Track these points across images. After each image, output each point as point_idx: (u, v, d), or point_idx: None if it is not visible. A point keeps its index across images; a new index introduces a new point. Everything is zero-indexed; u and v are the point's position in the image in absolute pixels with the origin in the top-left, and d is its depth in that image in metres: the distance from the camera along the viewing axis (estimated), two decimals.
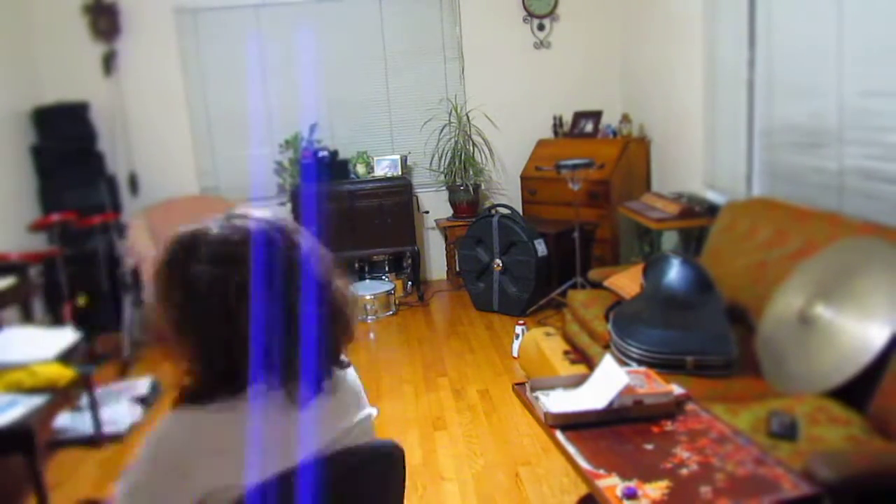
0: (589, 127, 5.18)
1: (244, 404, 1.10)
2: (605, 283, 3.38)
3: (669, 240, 4.08)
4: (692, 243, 3.83)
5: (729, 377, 2.39)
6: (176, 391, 1.14)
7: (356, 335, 1.27)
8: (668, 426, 1.81)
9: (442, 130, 5.30)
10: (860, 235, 2.35)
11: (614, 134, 5.05)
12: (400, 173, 5.16)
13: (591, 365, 3.00)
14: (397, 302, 4.98)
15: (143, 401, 3.52)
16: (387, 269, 5.26)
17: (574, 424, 1.83)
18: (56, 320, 4.25)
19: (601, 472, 1.61)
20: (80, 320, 3.96)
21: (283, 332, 1.11)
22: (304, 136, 5.12)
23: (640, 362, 2.45)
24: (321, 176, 4.93)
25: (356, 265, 5.23)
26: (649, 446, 1.72)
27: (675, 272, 2.88)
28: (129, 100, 5.11)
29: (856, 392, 2.01)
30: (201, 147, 5.28)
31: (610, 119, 5.16)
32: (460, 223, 5.16)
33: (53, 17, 4.95)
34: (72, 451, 3.13)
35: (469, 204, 5.22)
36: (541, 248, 4.45)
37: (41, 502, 2.48)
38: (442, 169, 5.27)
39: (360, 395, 1.29)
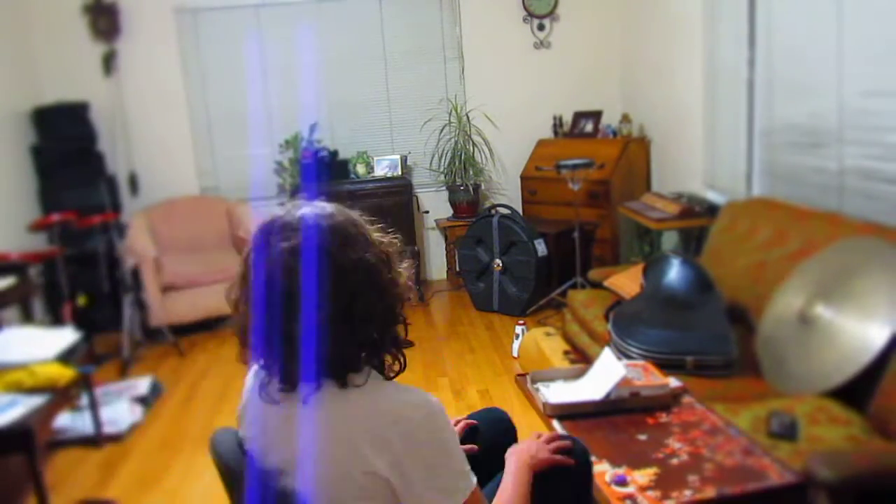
0: (589, 127, 5.18)
1: None
2: (605, 283, 3.38)
3: (669, 240, 4.08)
4: (692, 243, 3.83)
5: (729, 377, 2.39)
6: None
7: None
8: (663, 417, 1.87)
9: (442, 130, 5.30)
10: (860, 235, 2.35)
11: (614, 134, 5.06)
12: (400, 173, 5.16)
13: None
14: None
15: (143, 401, 3.52)
16: None
17: (572, 414, 1.89)
18: (56, 320, 4.26)
19: (592, 458, 1.65)
20: (80, 320, 3.96)
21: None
22: (304, 136, 5.12)
23: None
24: (321, 176, 4.94)
25: None
26: (643, 436, 1.78)
27: (675, 272, 2.88)
28: (129, 100, 5.11)
29: (856, 392, 2.01)
30: (201, 147, 5.28)
31: (610, 119, 5.16)
32: (460, 223, 5.16)
33: (53, 17, 4.95)
34: (72, 451, 3.13)
35: (469, 204, 5.22)
36: (541, 248, 4.45)
37: (41, 502, 2.48)
38: (442, 169, 5.27)
39: None
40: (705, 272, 2.85)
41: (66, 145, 4.75)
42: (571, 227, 4.38)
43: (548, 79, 5.41)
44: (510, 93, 5.41)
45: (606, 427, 1.83)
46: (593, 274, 3.65)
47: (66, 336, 3.07)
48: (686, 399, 1.96)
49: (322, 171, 4.96)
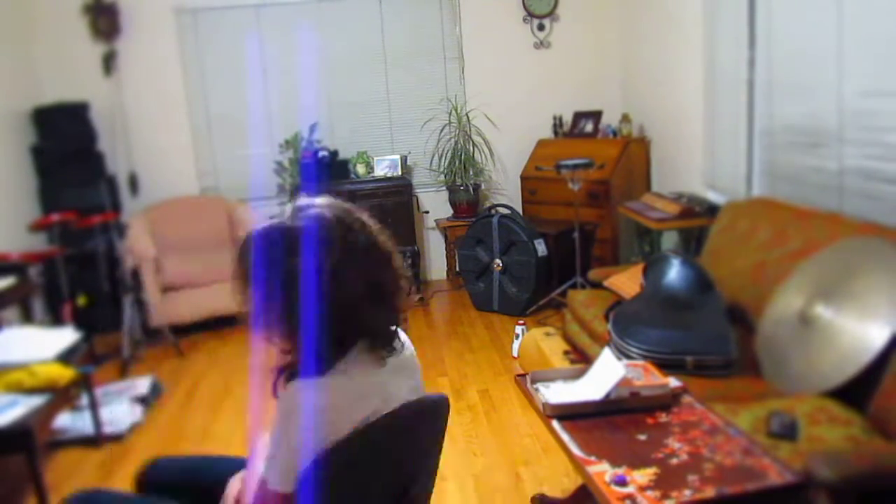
0: (589, 127, 5.18)
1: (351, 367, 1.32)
2: (605, 283, 3.38)
3: (669, 240, 4.08)
4: (692, 243, 3.84)
5: (729, 377, 2.39)
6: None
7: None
8: (663, 417, 1.87)
9: (442, 130, 5.30)
10: (860, 235, 2.35)
11: (614, 134, 5.06)
12: (400, 173, 5.16)
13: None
14: None
15: (143, 401, 3.52)
16: None
17: (572, 415, 1.89)
18: (56, 320, 4.26)
19: (592, 458, 1.67)
20: (80, 320, 3.96)
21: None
22: (304, 136, 5.12)
23: None
24: (321, 176, 4.94)
25: None
26: (642, 436, 1.78)
27: (675, 272, 2.88)
28: (129, 100, 5.11)
29: (856, 392, 2.01)
30: (201, 147, 5.28)
31: (610, 119, 5.16)
32: (460, 223, 5.16)
33: (53, 16, 4.95)
34: (72, 451, 3.13)
35: (469, 204, 5.22)
36: (541, 248, 4.46)
37: (41, 502, 2.48)
38: (442, 169, 5.27)
39: (415, 356, 1.52)
40: (705, 272, 2.85)
41: (66, 145, 4.75)
42: (571, 227, 4.38)
43: (548, 79, 5.41)
44: (510, 93, 5.41)
45: (606, 427, 1.83)
46: (593, 274, 3.65)
47: (66, 336, 3.07)
48: (686, 399, 1.96)
49: (322, 171, 4.96)
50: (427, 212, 5.49)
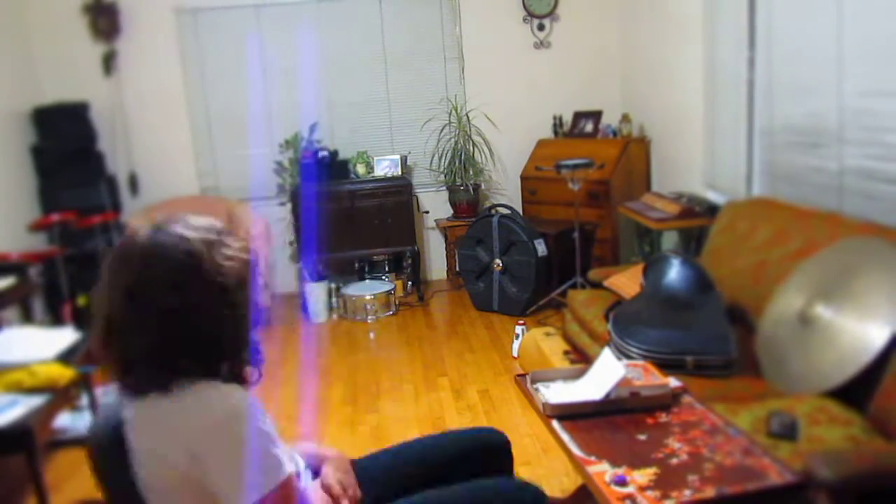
0: (589, 127, 5.18)
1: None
2: (605, 283, 3.38)
3: (669, 240, 4.08)
4: (692, 243, 3.84)
5: (729, 377, 2.39)
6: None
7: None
8: (663, 417, 1.87)
9: (442, 130, 5.30)
10: (860, 235, 2.35)
11: (614, 134, 5.05)
12: (400, 173, 5.16)
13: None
14: (397, 302, 4.98)
15: None
16: (387, 269, 5.27)
17: (572, 415, 1.89)
18: (56, 320, 4.25)
19: (592, 458, 1.67)
20: (80, 320, 3.96)
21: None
22: (304, 136, 5.12)
23: None
24: (321, 176, 4.94)
25: (356, 265, 5.23)
26: (642, 436, 1.77)
27: (675, 272, 2.88)
28: (129, 100, 5.11)
29: (856, 392, 2.01)
30: (201, 147, 5.28)
31: (610, 119, 5.16)
32: (460, 223, 5.16)
33: (53, 16, 4.95)
34: (72, 451, 3.13)
35: (469, 204, 5.22)
36: (541, 248, 4.46)
37: (41, 502, 2.48)
38: (442, 169, 5.27)
39: None
40: (705, 272, 2.85)
41: (66, 145, 4.75)
42: (571, 227, 4.38)
43: (548, 79, 5.41)
44: (510, 93, 5.41)
45: (606, 427, 1.83)
46: (593, 274, 3.65)
47: (66, 336, 3.07)
48: (686, 399, 1.96)
49: (322, 171, 4.96)
50: (427, 212, 5.49)
